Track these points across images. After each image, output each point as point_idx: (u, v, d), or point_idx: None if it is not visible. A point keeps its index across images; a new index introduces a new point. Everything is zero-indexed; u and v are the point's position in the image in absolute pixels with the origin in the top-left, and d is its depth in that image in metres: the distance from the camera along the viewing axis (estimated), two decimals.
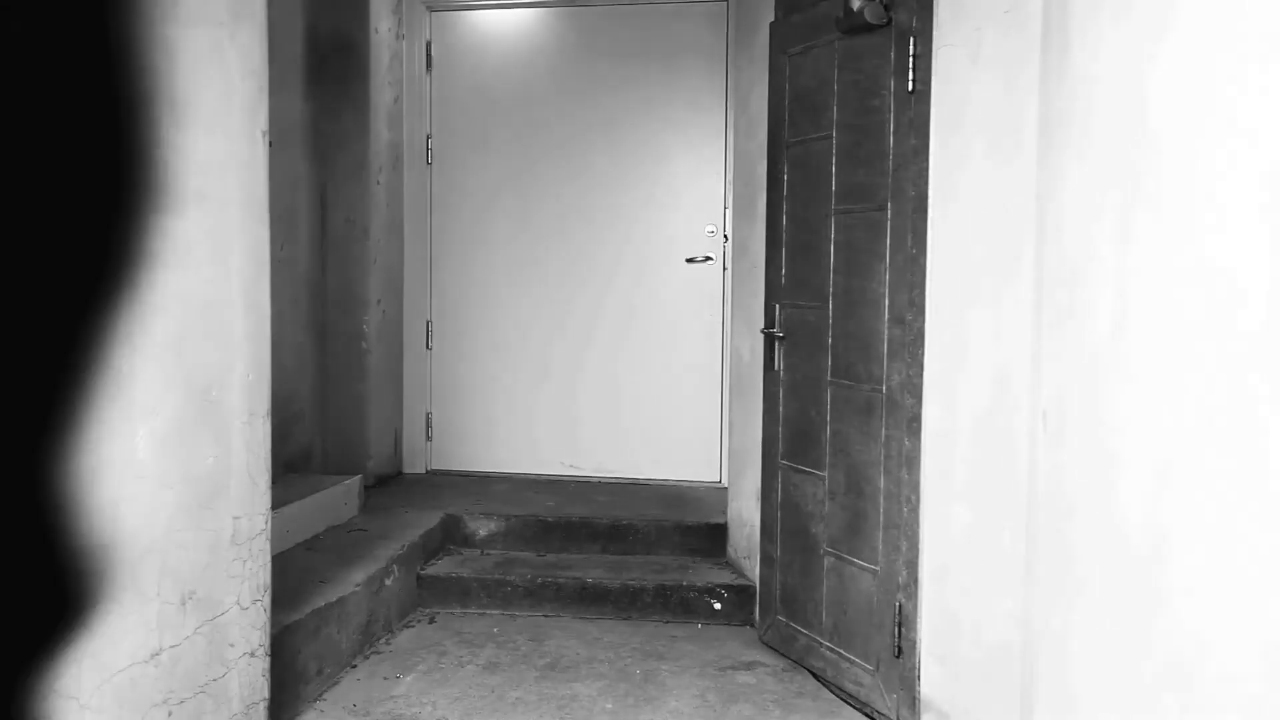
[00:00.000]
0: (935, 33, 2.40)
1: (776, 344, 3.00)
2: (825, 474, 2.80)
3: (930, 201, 2.43)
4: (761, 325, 3.10)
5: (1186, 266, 1.32)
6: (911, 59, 2.45)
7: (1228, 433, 1.22)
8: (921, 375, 2.47)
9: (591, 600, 3.33)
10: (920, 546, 2.48)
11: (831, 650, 2.80)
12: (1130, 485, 1.46)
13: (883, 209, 2.55)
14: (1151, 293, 1.41)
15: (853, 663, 2.71)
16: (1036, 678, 1.91)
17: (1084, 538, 1.64)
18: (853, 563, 2.69)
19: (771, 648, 3.08)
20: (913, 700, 2.51)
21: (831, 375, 2.77)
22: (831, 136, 2.74)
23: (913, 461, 2.49)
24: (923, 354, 2.46)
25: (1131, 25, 1.49)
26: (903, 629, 2.52)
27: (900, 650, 2.53)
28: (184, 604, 2.07)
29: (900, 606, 2.53)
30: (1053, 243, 1.86)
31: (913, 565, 2.49)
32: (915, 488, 2.48)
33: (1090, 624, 1.61)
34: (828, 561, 2.79)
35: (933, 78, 2.41)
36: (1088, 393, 1.63)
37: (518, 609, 3.42)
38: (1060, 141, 1.83)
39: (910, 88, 2.46)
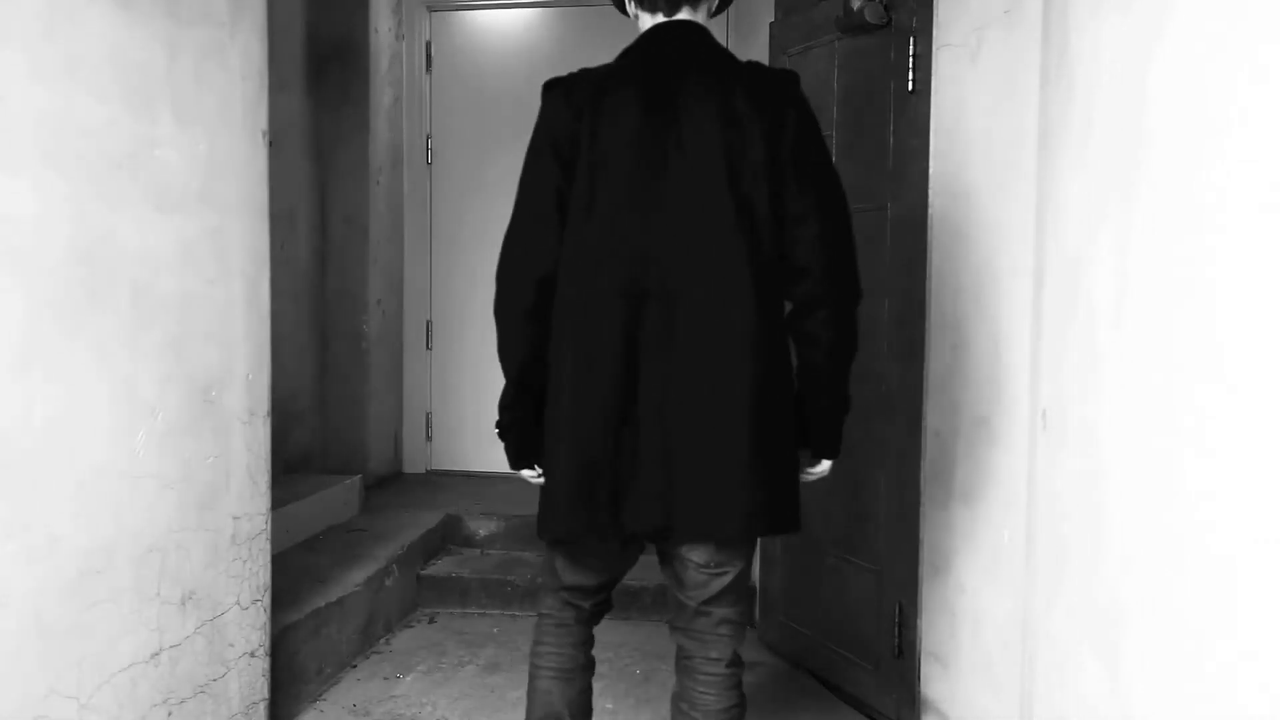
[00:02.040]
0: (935, 33, 2.40)
1: None
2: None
3: (930, 201, 2.43)
4: None
5: (1187, 266, 1.32)
6: (911, 59, 2.45)
7: (1223, 435, 1.22)
8: (922, 375, 2.47)
9: None
10: (920, 546, 2.48)
11: (832, 650, 2.80)
12: (1120, 488, 1.46)
13: (883, 209, 2.55)
14: (1151, 293, 1.41)
15: (852, 663, 2.71)
16: (1036, 678, 1.91)
17: (1079, 540, 1.64)
18: (853, 563, 2.69)
19: (772, 648, 3.08)
20: (913, 700, 2.51)
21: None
22: (831, 136, 2.74)
23: (913, 461, 2.49)
24: (923, 354, 2.46)
25: (1131, 23, 1.49)
26: (903, 629, 2.52)
27: (900, 650, 2.53)
28: (184, 604, 2.07)
29: (900, 606, 2.53)
30: (1052, 242, 1.86)
31: (913, 565, 2.49)
32: (915, 488, 2.48)
33: (1085, 627, 1.61)
34: (829, 561, 2.79)
35: (933, 78, 2.41)
36: (1087, 393, 1.63)
37: (518, 609, 3.41)
38: (1060, 141, 1.83)
39: (910, 88, 2.46)
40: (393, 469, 4.52)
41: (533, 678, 1.89)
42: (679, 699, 1.81)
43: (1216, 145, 1.26)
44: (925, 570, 2.47)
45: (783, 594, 3.01)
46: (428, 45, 4.55)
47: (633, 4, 1.79)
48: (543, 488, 1.74)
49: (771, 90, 1.67)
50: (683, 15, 1.75)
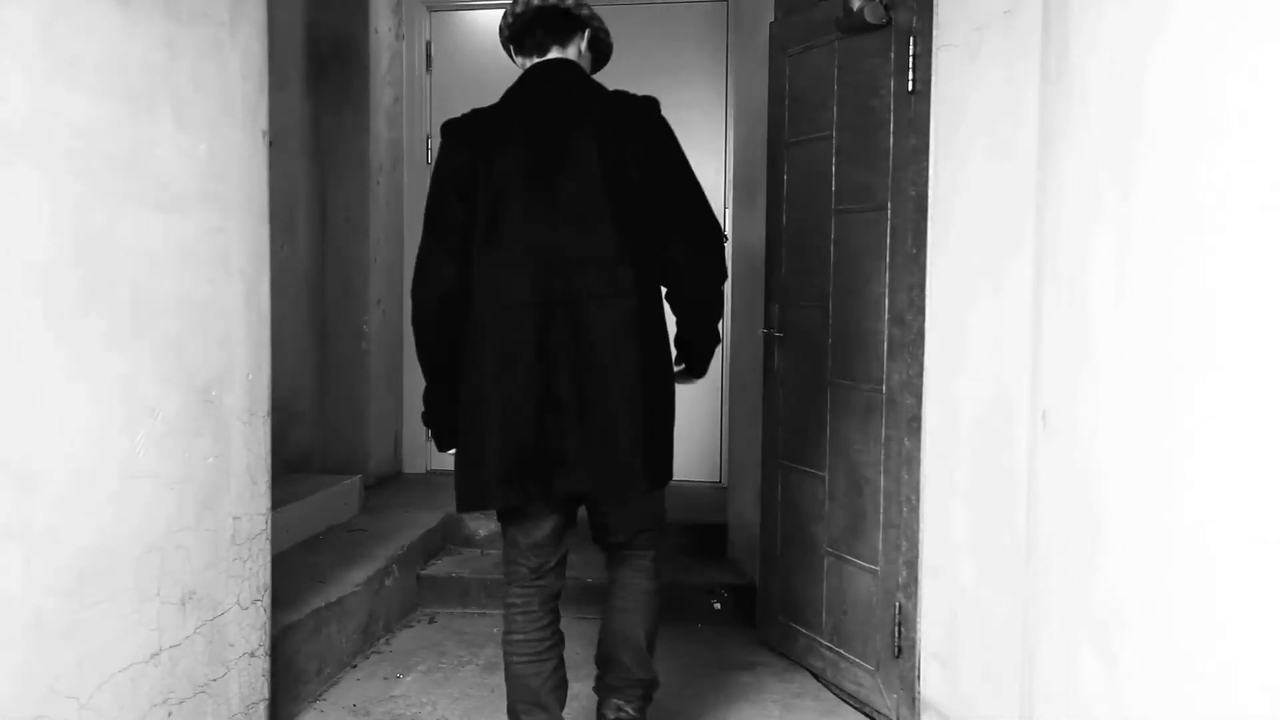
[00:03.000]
0: (935, 33, 2.40)
1: (776, 344, 3.00)
2: (825, 474, 2.80)
3: (930, 201, 2.43)
4: (761, 326, 3.10)
5: (1186, 266, 1.32)
6: (911, 59, 2.45)
7: (1222, 436, 1.22)
8: (921, 375, 2.47)
9: (592, 600, 3.32)
10: (920, 546, 2.48)
11: (831, 650, 2.80)
12: (1120, 488, 1.46)
13: (882, 209, 2.55)
14: (1151, 293, 1.41)
15: (852, 663, 2.71)
16: (1036, 678, 1.91)
17: (1079, 540, 1.64)
18: (852, 563, 2.69)
19: (771, 648, 3.08)
20: (913, 700, 2.51)
21: (832, 375, 2.77)
22: (831, 136, 2.74)
23: (912, 461, 2.49)
24: (923, 354, 2.46)
25: (1130, 22, 1.49)
26: (903, 629, 2.52)
27: (900, 650, 2.53)
28: (184, 604, 2.07)
29: (900, 606, 2.53)
30: (1052, 242, 1.86)
31: (912, 565, 2.49)
32: (915, 488, 2.48)
33: (1084, 627, 1.61)
34: (828, 562, 2.79)
35: (933, 78, 2.41)
36: (1087, 393, 1.63)
37: None
38: (1059, 140, 1.83)
39: (910, 88, 2.46)
40: (393, 469, 4.52)
41: (508, 664, 2.10)
42: (612, 586, 2.21)
43: (1216, 144, 1.26)
44: (925, 570, 2.47)
45: (783, 594, 3.01)
46: (428, 45, 4.55)
47: (514, 55, 2.15)
48: (467, 471, 2.01)
49: (636, 115, 1.99)
50: (554, 54, 2.07)
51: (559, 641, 2.12)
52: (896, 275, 2.51)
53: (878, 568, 2.60)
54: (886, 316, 2.55)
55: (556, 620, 2.12)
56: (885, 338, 2.55)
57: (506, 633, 2.10)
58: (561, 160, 1.93)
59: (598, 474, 1.95)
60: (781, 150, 2.98)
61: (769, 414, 3.05)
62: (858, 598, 2.68)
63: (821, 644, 2.84)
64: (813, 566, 2.86)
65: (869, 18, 2.51)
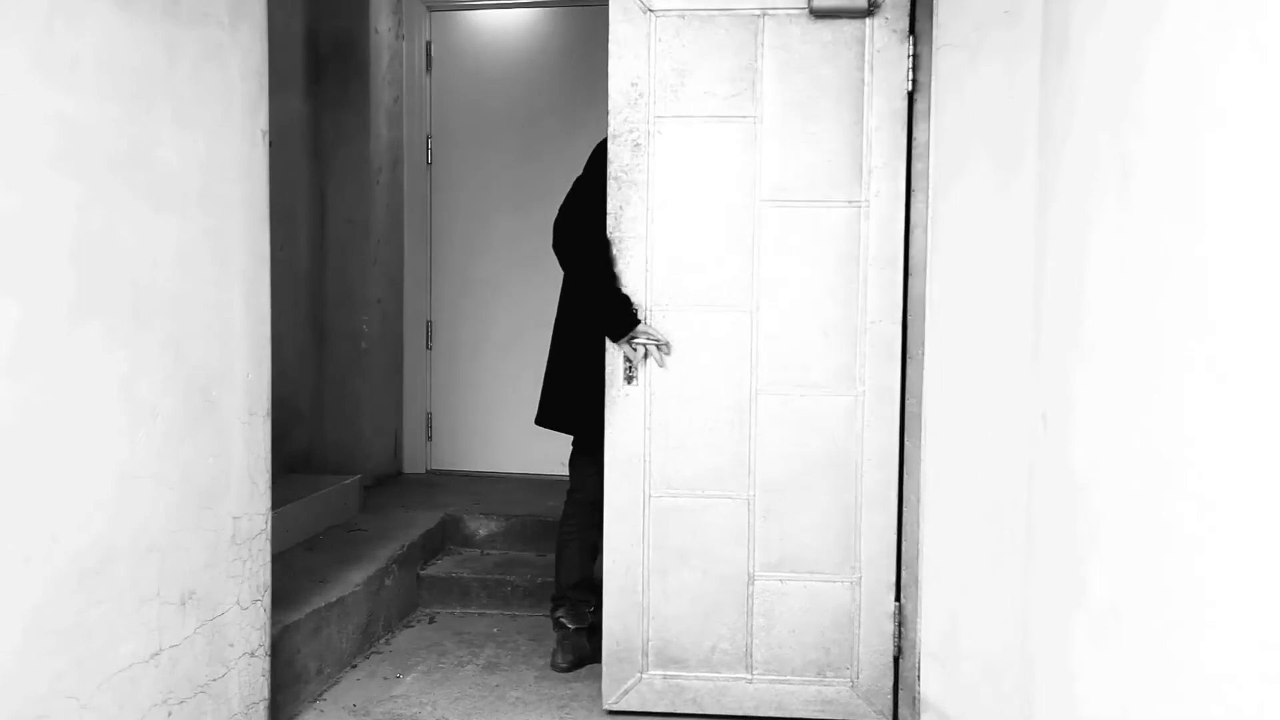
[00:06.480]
0: (935, 32, 2.40)
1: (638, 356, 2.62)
2: (746, 495, 2.59)
3: (931, 200, 2.43)
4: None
5: (1182, 268, 1.32)
6: (911, 59, 2.45)
7: (1220, 438, 1.22)
8: (921, 375, 2.46)
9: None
10: (920, 547, 2.48)
11: (778, 681, 2.61)
12: (1119, 490, 1.46)
13: (853, 205, 2.51)
14: (1150, 295, 1.41)
15: (810, 683, 2.61)
16: (1037, 678, 1.91)
17: (1078, 541, 1.64)
18: (808, 580, 2.60)
19: (630, 713, 2.64)
20: (913, 701, 2.51)
21: (763, 384, 2.57)
22: (754, 118, 2.55)
23: (913, 462, 2.48)
24: (923, 354, 2.46)
25: (1128, 20, 1.49)
26: (903, 629, 2.52)
27: (900, 651, 2.53)
28: (184, 604, 2.07)
29: (899, 608, 2.52)
30: (1052, 241, 1.86)
31: (913, 565, 2.49)
32: (916, 488, 2.48)
33: (1084, 627, 1.61)
34: (759, 585, 2.60)
35: (933, 78, 2.41)
36: (1087, 395, 1.63)
37: (518, 609, 3.42)
38: (1060, 139, 1.83)
39: (910, 87, 2.46)
40: (392, 469, 4.52)
41: (561, 547, 2.99)
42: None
43: (1216, 142, 1.26)
44: (925, 571, 2.47)
45: (656, 643, 2.63)
46: (428, 45, 4.55)
47: None
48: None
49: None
50: None
51: (577, 535, 2.95)
52: (883, 275, 2.49)
53: (856, 577, 2.56)
54: (868, 315, 2.52)
55: (581, 521, 2.93)
56: (866, 338, 2.52)
57: (563, 520, 3.04)
58: None
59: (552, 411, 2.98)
60: (646, 127, 2.69)
61: (626, 434, 2.62)
62: (820, 616, 2.58)
63: (750, 680, 2.61)
64: (727, 598, 2.60)
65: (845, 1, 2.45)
